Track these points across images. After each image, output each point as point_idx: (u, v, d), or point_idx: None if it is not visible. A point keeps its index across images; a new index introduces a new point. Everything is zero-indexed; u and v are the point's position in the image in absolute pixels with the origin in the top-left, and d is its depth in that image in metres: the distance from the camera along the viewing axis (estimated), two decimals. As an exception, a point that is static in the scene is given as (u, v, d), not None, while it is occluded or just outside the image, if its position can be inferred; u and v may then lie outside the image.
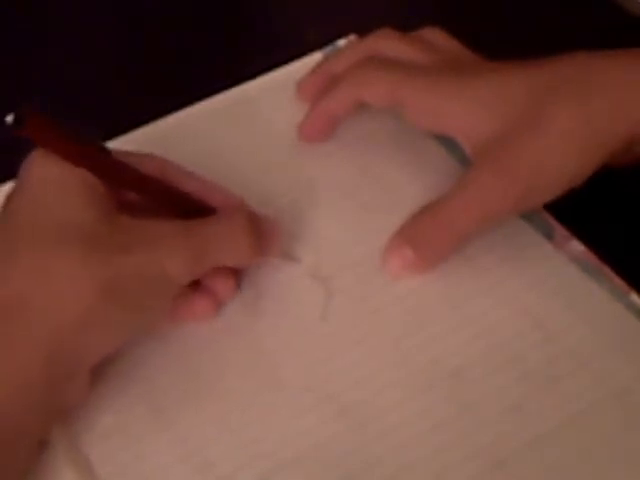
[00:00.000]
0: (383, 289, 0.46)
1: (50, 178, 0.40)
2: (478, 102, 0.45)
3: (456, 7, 0.61)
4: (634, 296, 0.45)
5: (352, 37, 0.57)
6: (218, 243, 0.42)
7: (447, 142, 0.51)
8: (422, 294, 0.45)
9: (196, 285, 0.44)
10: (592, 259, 0.46)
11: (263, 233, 0.44)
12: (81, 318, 0.38)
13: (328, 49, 0.57)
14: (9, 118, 0.37)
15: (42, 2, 0.62)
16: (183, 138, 0.52)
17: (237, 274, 0.45)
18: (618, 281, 0.45)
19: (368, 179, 0.50)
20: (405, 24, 0.51)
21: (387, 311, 0.45)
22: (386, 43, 0.50)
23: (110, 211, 0.40)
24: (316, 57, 0.56)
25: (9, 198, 0.41)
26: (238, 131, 0.53)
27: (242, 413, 0.42)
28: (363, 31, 0.53)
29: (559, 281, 0.46)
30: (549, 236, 0.47)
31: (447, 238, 0.45)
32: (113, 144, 0.52)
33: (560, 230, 0.47)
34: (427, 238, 0.45)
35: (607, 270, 0.46)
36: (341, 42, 0.57)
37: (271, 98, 0.54)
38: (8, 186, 0.42)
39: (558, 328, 0.44)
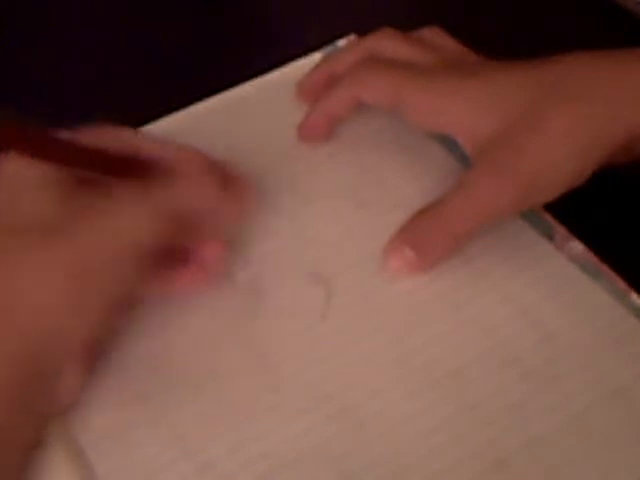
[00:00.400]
0: (383, 289, 0.46)
1: (14, 177, 0.40)
2: (478, 102, 0.45)
3: (456, 7, 0.61)
4: (634, 296, 0.45)
5: (352, 37, 0.57)
6: (177, 191, 0.42)
7: (447, 142, 0.51)
8: (422, 294, 0.45)
9: (184, 257, 0.43)
10: (592, 259, 0.46)
11: (227, 177, 0.43)
12: (53, 307, 0.38)
13: (328, 49, 0.57)
14: None
15: (42, 2, 0.62)
16: (183, 138, 0.52)
17: (223, 244, 0.44)
18: (618, 281, 0.45)
19: (368, 179, 0.50)
20: (405, 24, 0.51)
21: (387, 311, 0.45)
22: (386, 43, 0.50)
23: (68, 196, 0.40)
24: (316, 57, 0.56)
25: None
26: (238, 131, 0.53)
27: (242, 412, 0.42)
28: (363, 31, 0.53)
29: (559, 281, 0.46)
30: (549, 236, 0.47)
31: (447, 238, 0.45)
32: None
33: (560, 230, 0.47)
34: (427, 238, 0.45)
35: (607, 270, 0.46)
36: (341, 42, 0.57)
37: (271, 98, 0.54)
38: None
39: (558, 328, 0.44)
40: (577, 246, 0.47)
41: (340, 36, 0.57)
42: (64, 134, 0.40)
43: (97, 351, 0.42)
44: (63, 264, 0.38)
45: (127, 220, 0.40)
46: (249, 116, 0.54)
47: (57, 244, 0.38)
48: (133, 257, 0.40)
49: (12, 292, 0.38)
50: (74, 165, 0.41)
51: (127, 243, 0.40)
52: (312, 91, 0.52)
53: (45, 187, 0.40)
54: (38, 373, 0.38)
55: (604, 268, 0.46)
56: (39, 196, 0.40)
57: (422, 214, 0.45)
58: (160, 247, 0.41)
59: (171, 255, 0.43)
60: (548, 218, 0.48)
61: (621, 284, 0.45)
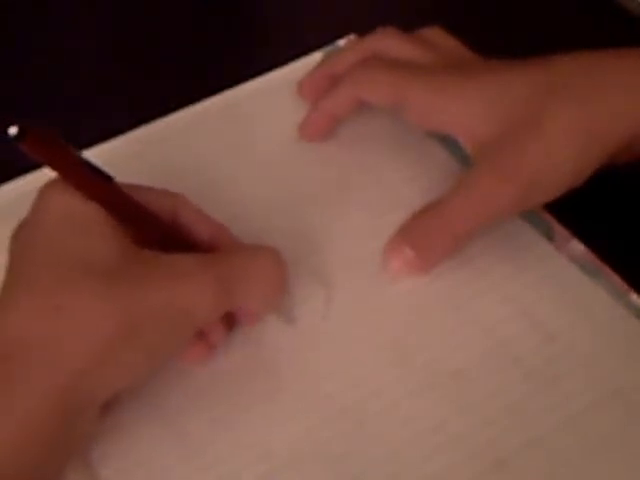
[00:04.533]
0: (383, 289, 0.46)
1: (66, 213, 0.38)
2: (479, 101, 0.45)
3: (456, 7, 0.61)
4: (634, 296, 0.45)
5: (352, 37, 0.57)
6: (246, 277, 0.41)
7: (447, 142, 0.51)
8: (422, 294, 0.45)
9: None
10: (592, 259, 0.46)
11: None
12: (97, 355, 0.36)
13: (328, 49, 0.57)
14: (13, 130, 0.36)
15: (42, 2, 0.62)
16: (183, 138, 0.52)
17: (231, 319, 0.44)
18: (618, 281, 0.45)
19: (368, 179, 0.50)
20: (405, 24, 0.51)
21: (387, 311, 0.45)
22: (387, 42, 0.50)
23: (129, 245, 0.39)
24: (316, 57, 0.56)
25: (21, 229, 0.39)
26: (238, 131, 0.53)
27: (242, 413, 0.42)
28: (363, 31, 0.53)
29: (559, 281, 0.46)
30: (549, 236, 0.47)
31: (447, 238, 0.45)
32: (112, 144, 0.52)
33: (560, 230, 0.47)
34: (427, 238, 0.45)
35: (607, 270, 0.46)
36: (341, 42, 0.57)
37: (271, 98, 0.54)
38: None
39: (558, 328, 0.44)
40: (577, 246, 0.47)
41: (340, 36, 0.57)
42: (105, 172, 0.39)
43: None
44: (119, 316, 0.37)
45: (196, 290, 0.38)
46: (249, 116, 0.54)
47: (117, 294, 0.37)
48: (185, 328, 0.39)
49: (54, 337, 0.36)
50: (120, 213, 0.39)
51: (187, 313, 0.38)
52: (313, 91, 0.52)
53: (97, 229, 0.38)
54: (67, 415, 0.37)
55: (604, 268, 0.46)
56: (92, 237, 0.38)
57: (422, 214, 0.45)
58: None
59: None
60: (548, 218, 0.48)
61: (621, 284, 0.45)
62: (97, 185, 0.39)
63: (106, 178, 0.39)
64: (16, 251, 0.39)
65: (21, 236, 0.39)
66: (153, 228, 0.41)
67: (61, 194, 0.39)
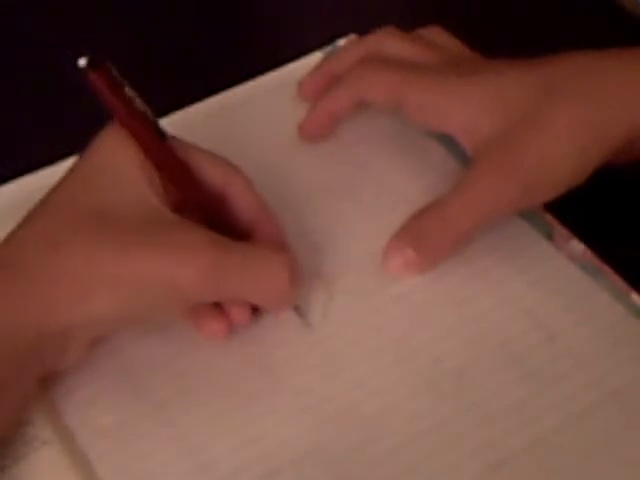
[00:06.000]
0: (383, 289, 0.46)
1: (105, 161, 0.40)
2: (479, 101, 0.45)
3: (456, 7, 0.61)
4: (634, 296, 0.45)
5: (352, 37, 0.57)
6: (249, 275, 0.41)
7: (447, 142, 0.51)
8: (422, 294, 0.45)
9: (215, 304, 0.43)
10: (592, 259, 0.46)
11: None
12: (74, 298, 0.38)
13: (328, 49, 0.57)
14: (82, 61, 0.37)
15: (42, 1, 0.62)
16: (183, 138, 0.52)
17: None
18: (618, 281, 0.45)
19: (368, 179, 0.50)
20: (405, 24, 0.51)
21: (387, 311, 0.45)
22: (387, 42, 0.50)
23: (153, 203, 0.40)
24: (316, 57, 0.56)
25: (74, 165, 0.41)
26: (238, 131, 0.53)
27: (242, 412, 0.42)
28: (363, 31, 0.53)
29: (559, 281, 0.46)
30: (549, 236, 0.47)
31: (448, 238, 0.45)
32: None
33: (560, 230, 0.47)
34: (428, 238, 0.45)
35: (607, 270, 0.46)
36: (341, 42, 0.57)
37: (271, 98, 0.54)
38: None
39: (558, 328, 0.44)
40: (577, 246, 0.47)
41: (340, 36, 0.57)
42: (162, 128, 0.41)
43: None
44: (103, 277, 0.38)
45: (178, 265, 0.39)
46: (249, 115, 0.54)
47: (113, 250, 0.38)
48: (169, 300, 0.40)
49: (52, 263, 0.38)
50: (165, 172, 0.41)
51: (169, 286, 0.39)
52: (313, 91, 0.52)
53: (138, 182, 0.40)
54: (45, 345, 0.39)
55: (604, 268, 0.46)
56: (130, 188, 0.40)
57: (422, 213, 0.45)
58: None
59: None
60: (548, 218, 0.48)
61: (621, 284, 0.45)
62: (149, 137, 0.40)
63: (160, 133, 0.41)
64: (58, 182, 0.41)
65: (71, 170, 0.41)
66: (194, 193, 0.42)
67: (111, 140, 0.41)
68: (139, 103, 0.40)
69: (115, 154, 0.40)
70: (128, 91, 0.40)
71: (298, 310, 0.44)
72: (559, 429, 0.41)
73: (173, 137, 0.42)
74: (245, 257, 0.41)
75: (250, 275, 0.41)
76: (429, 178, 0.50)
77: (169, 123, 0.53)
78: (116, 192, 0.40)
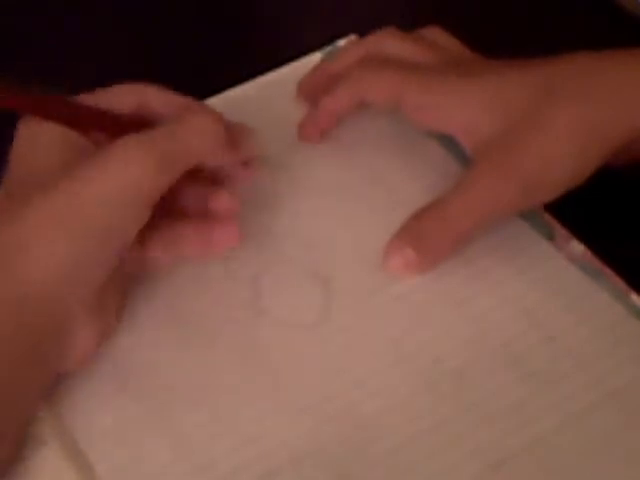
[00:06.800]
0: (383, 289, 0.46)
1: (27, 135, 0.42)
2: (479, 101, 0.45)
3: (456, 7, 0.61)
4: (634, 296, 0.45)
5: (352, 37, 0.57)
6: (184, 140, 0.42)
7: (447, 142, 0.51)
8: (422, 294, 0.45)
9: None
10: (592, 259, 0.46)
11: (231, 129, 0.44)
12: (55, 259, 0.38)
13: (328, 49, 0.57)
14: None
15: (42, 1, 0.62)
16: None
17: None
18: (618, 281, 0.45)
19: (368, 179, 0.50)
20: (405, 24, 0.51)
21: (387, 311, 0.45)
22: (387, 42, 0.50)
23: (77, 148, 0.42)
24: (316, 57, 0.56)
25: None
26: (238, 131, 0.53)
27: (241, 413, 0.42)
28: (363, 31, 0.53)
29: (559, 281, 0.46)
30: (549, 236, 0.47)
31: (448, 238, 0.45)
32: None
33: (560, 230, 0.47)
34: (428, 238, 0.45)
35: (607, 270, 0.46)
36: (341, 42, 0.57)
37: (271, 98, 0.54)
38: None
39: (558, 328, 0.44)
40: (577, 246, 0.47)
41: (340, 36, 0.57)
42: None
43: (109, 304, 0.42)
44: (62, 217, 0.39)
45: (126, 165, 0.40)
46: (249, 116, 0.53)
47: (54, 198, 0.39)
48: (136, 206, 0.40)
49: (14, 246, 0.38)
50: (82, 126, 0.43)
51: (130, 190, 0.40)
52: (313, 91, 0.52)
53: (55, 139, 0.41)
54: (50, 325, 0.39)
55: (604, 268, 0.46)
56: (50, 146, 0.41)
57: (422, 214, 0.45)
58: (165, 199, 0.41)
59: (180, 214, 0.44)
60: (548, 218, 0.48)
61: (621, 284, 0.45)
62: (48, 106, 0.42)
63: (54, 98, 0.43)
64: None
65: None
66: (114, 127, 0.43)
67: (25, 123, 0.43)
68: (21, 90, 0.42)
69: (31, 130, 0.42)
70: (9, 87, 0.41)
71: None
72: (559, 429, 0.41)
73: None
74: (177, 130, 0.42)
75: (184, 137, 0.42)
76: (429, 178, 0.50)
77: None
78: (37, 155, 0.42)
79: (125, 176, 0.40)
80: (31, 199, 0.39)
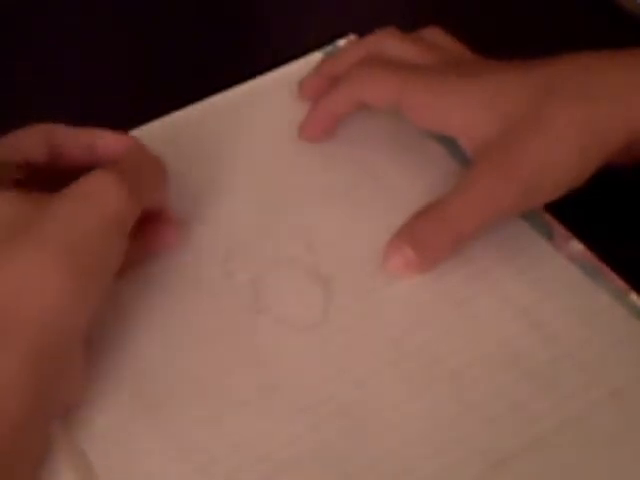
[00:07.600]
0: (383, 289, 0.46)
1: None
2: (479, 102, 0.45)
3: (456, 7, 0.61)
4: (634, 296, 0.45)
5: (352, 37, 0.57)
6: (145, 171, 0.43)
7: (447, 142, 0.51)
8: (422, 294, 0.45)
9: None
10: (592, 259, 0.46)
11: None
12: (52, 297, 0.38)
13: (328, 49, 0.57)
14: None
15: (42, 1, 0.62)
16: (182, 137, 0.52)
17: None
18: (618, 281, 0.45)
19: (367, 179, 0.50)
20: (405, 24, 0.51)
21: (387, 311, 0.45)
22: (387, 43, 0.50)
23: (26, 195, 0.40)
24: (316, 57, 0.56)
25: None
26: (238, 131, 0.53)
27: (241, 413, 0.42)
28: (363, 31, 0.53)
29: (559, 281, 0.46)
30: (549, 236, 0.47)
31: (448, 238, 0.45)
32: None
33: (560, 230, 0.47)
34: (428, 238, 0.45)
35: (607, 270, 0.46)
36: (341, 42, 0.57)
37: (271, 98, 0.54)
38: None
39: (558, 328, 0.44)
40: (577, 246, 0.47)
41: (340, 36, 0.57)
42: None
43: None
44: (56, 256, 0.38)
45: (109, 193, 0.40)
46: (249, 116, 0.54)
47: (26, 240, 0.38)
48: (119, 229, 0.40)
49: (9, 296, 0.37)
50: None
51: (111, 215, 0.40)
52: (313, 91, 0.52)
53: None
54: (53, 363, 0.38)
55: (604, 268, 0.46)
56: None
57: (422, 214, 0.45)
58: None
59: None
60: (548, 218, 0.48)
61: (621, 284, 0.45)
62: None
63: None
64: None
65: None
66: (31, 175, 0.42)
67: None
68: None
69: None
70: None
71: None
72: (559, 429, 0.41)
73: None
74: (130, 161, 0.43)
75: (142, 165, 0.43)
76: (429, 178, 0.50)
77: (169, 123, 0.53)
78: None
79: (107, 209, 0.39)
80: (21, 245, 0.38)
